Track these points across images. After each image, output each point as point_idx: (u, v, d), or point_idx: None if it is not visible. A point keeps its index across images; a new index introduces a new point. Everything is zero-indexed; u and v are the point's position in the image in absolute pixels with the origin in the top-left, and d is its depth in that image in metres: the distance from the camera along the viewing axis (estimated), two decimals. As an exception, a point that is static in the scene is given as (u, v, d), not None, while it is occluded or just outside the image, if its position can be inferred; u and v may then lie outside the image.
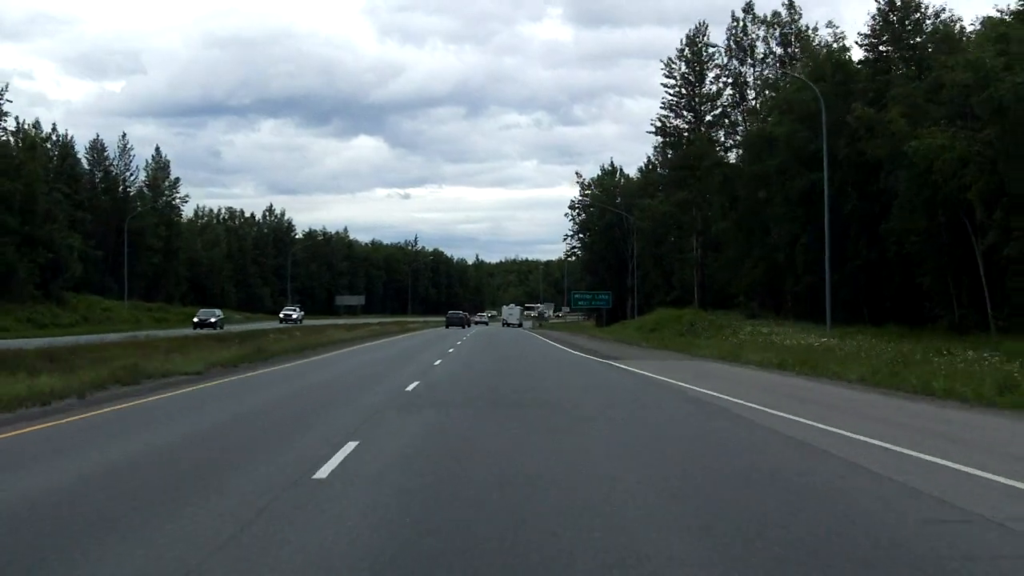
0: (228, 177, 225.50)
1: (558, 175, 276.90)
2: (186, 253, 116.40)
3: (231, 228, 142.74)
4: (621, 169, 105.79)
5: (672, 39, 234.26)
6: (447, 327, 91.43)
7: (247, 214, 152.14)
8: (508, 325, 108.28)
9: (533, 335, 71.50)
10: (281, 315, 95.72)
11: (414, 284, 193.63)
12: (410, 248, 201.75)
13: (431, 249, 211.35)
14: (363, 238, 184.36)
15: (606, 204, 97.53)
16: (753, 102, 59.98)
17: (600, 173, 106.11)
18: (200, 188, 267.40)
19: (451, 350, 41.05)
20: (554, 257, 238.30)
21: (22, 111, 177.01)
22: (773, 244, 52.22)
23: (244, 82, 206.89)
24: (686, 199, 64.77)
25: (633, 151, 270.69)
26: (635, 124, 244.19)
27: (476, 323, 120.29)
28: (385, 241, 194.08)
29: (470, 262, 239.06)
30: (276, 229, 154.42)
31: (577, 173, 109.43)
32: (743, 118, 60.09)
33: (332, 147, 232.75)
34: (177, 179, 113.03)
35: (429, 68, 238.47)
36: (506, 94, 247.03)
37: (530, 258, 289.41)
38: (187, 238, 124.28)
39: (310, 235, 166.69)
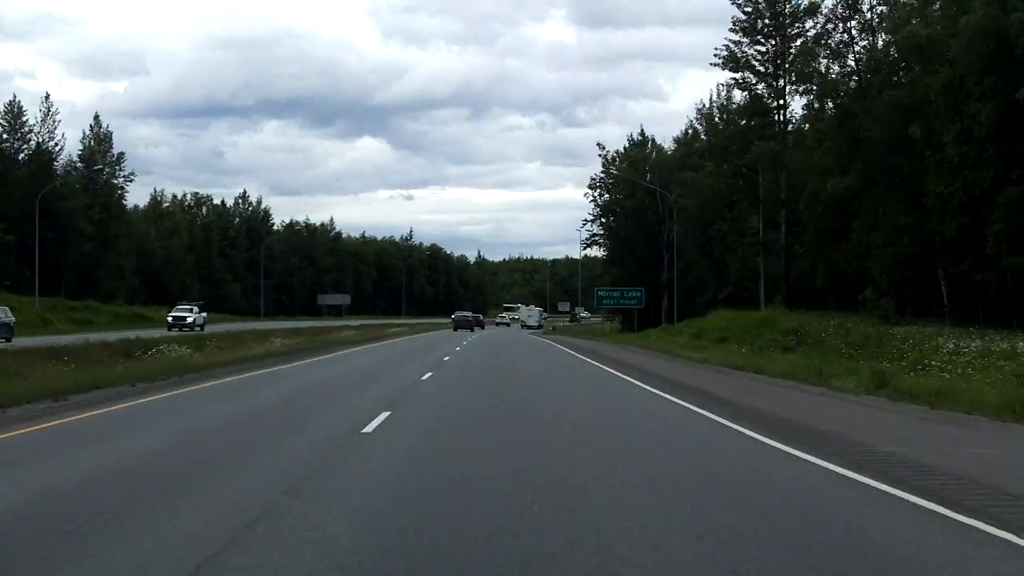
0: (231, 178, 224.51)
1: (561, 177, 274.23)
2: (133, 242, 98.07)
3: (197, 216, 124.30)
4: (653, 140, 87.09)
5: (676, 40, 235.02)
6: (455, 330, 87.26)
7: (216, 201, 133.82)
8: (527, 328, 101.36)
9: (555, 345, 53.96)
10: (170, 317, 64.18)
11: (409, 282, 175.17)
12: (405, 243, 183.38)
13: (428, 245, 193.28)
14: (356, 234, 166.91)
15: (637, 179, 78.98)
16: (875, 7, 40.88)
17: (628, 144, 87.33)
18: (203, 189, 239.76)
19: (425, 376, 23.35)
20: (560, 256, 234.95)
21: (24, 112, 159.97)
22: (928, 208, 33.77)
23: (247, 83, 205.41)
24: (767, 153, 45.93)
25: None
26: (638, 126, 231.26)
27: (498, 323, 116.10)
28: (378, 236, 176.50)
29: (471, 260, 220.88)
30: (251, 219, 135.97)
31: (599, 144, 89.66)
32: (855, 35, 41.23)
33: (335, 148, 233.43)
34: (121, 155, 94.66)
35: (432, 70, 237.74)
36: (509, 96, 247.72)
37: (536, 256, 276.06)
38: (138, 225, 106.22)
39: (290, 227, 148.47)
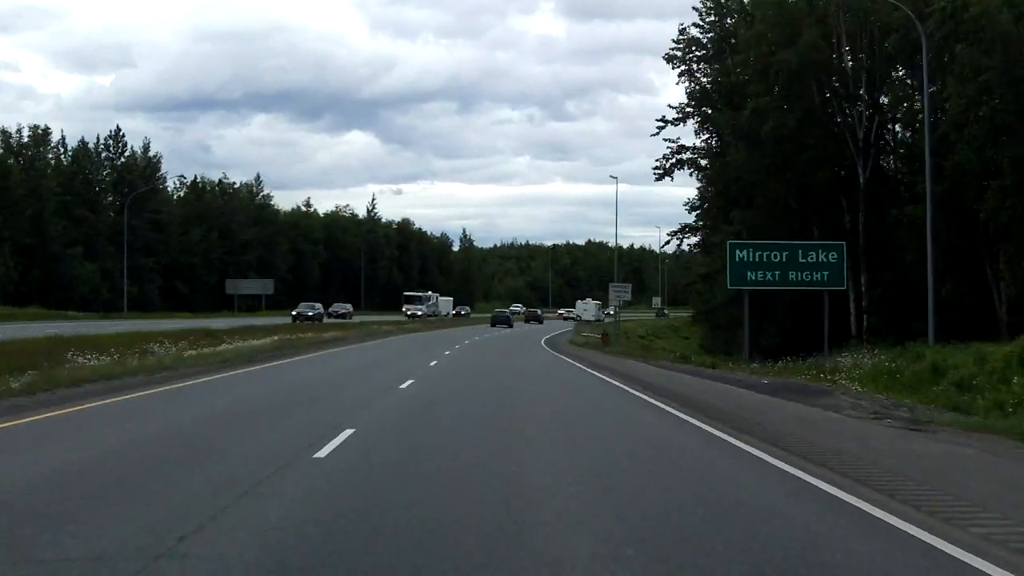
0: (217, 173, 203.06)
1: (550, 172, 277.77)
2: None
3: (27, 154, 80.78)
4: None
5: (667, 33, 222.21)
6: (492, 325, 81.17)
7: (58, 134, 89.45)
8: (578, 320, 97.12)
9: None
10: None
11: (371, 267, 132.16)
12: (367, 218, 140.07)
13: (397, 221, 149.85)
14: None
15: None
16: None
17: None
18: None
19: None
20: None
21: (10, 105, 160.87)
22: None
23: (235, 76, 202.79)
24: None
25: (625, 148, 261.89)
26: (628, 120, 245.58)
27: (566, 317, 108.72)
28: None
29: (455, 242, 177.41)
30: (129, 169, 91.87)
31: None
32: None
33: (324, 142, 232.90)
34: None
35: (421, 63, 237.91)
36: (499, 89, 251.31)
37: (531, 242, 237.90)
38: None
39: (195, 186, 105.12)
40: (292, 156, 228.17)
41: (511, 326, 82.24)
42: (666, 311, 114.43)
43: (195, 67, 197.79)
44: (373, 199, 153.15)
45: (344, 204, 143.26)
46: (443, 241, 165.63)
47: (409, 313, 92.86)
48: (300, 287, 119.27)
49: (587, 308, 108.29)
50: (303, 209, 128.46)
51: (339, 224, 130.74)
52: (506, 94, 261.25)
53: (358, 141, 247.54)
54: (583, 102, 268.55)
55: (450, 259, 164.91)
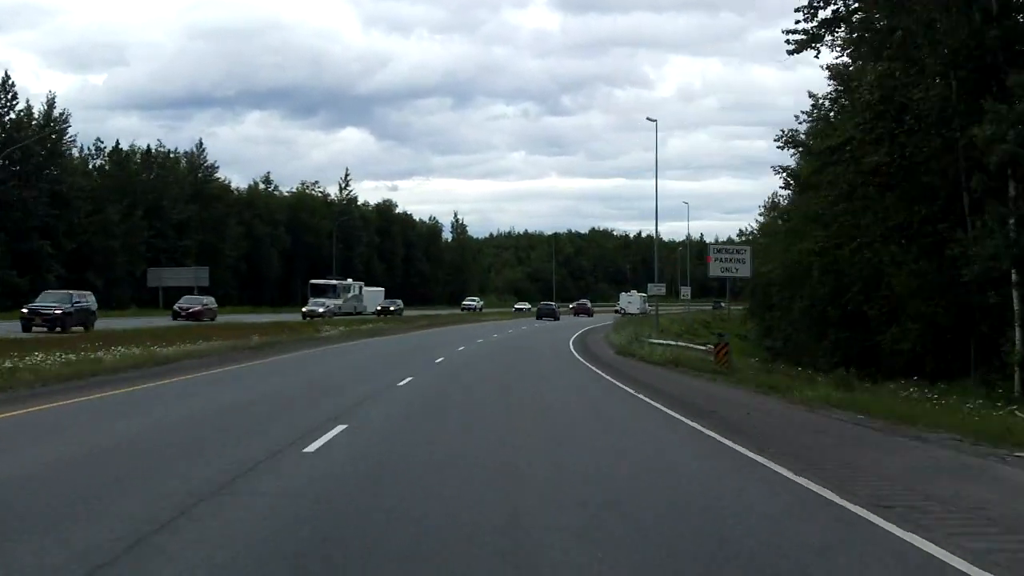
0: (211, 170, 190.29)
1: (546, 167, 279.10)
2: None
3: None
4: None
5: (662, 26, 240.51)
6: (538, 318, 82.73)
7: None
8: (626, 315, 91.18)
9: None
10: None
11: (346, 254, 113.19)
12: (341, 199, 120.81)
13: (374, 204, 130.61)
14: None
15: None
16: None
17: None
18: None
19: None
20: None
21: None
22: None
23: (229, 74, 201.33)
24: None
25: (622, 142, 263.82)
26: (624, 114, 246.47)
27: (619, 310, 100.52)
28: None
29: (447, 229, 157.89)
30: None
31: None
32: None
33: (319, 139, 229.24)
34: None
35: (416, 58, 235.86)
36: (493, 85, 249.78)
37: (531, 231, 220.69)
38: None
39: (113, 154, 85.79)
40: (287, 154, 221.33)
41: (557, 318, 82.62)
42: (723, 303, 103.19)
43: (189, 65, 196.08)
44: (346, 175, 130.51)
45: (313, 181, 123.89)
46: (432, 227, 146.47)
47: (307, 312, 68.57)
48: (256, 278, 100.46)
49: (631, 301, 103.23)
50: (261, 187, 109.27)
51: (305, 205, 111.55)
52: (501, 89, 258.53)
53: (353, 138, 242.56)
54: (578, 96, 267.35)
55: (440, 248, 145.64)
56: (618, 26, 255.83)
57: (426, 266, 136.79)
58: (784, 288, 36.80)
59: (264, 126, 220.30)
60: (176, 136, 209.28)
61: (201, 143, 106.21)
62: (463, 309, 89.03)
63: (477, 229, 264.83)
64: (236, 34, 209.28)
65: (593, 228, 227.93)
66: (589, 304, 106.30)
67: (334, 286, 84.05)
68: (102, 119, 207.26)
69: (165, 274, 76.99)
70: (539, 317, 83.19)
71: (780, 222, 45.71)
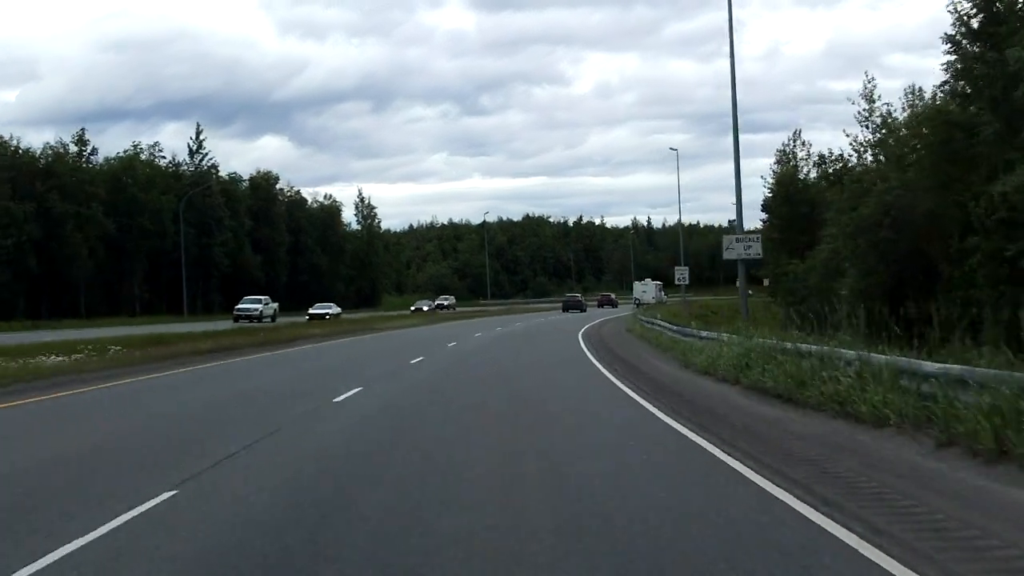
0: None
1: (468, 167, 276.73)
2: None
3: None
4: None
5: (577, 22, 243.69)
6: (564, 311, 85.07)
7: None
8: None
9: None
10: None
11: (201, 241, 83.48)
12: (191, 166, 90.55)
13: (253, 175, 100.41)
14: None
15: None
16: None
17: None
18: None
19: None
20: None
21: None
22: None
23: (143, 85, 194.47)
24: None
25: (542, 140, 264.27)
26: (543, 112, 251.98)
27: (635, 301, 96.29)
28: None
29: (349, 214, 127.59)
30: None
31: None
32: None
33: (237, 148, 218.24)
34: None
35: (333, 63, 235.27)
36: (412, 87, 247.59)
37: (456, 218, 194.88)
38: None
39: None
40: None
41: (584, 310, 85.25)
42: (749, 291, 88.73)
43: (102, 78, 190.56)
44: (199, 131, 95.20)
45: (152, 143, 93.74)
46: (330, 209, 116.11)
47: None
48: (53, 273, 70.48)
49: (646, 289, 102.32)
50: (72, 149, 78.92)
51: (137, 175, 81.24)
52: (420, 91, 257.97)
53: (271, 145, 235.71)
54: (497, 96, 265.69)
55: (340, 236, 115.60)
56: (533, 24, 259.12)
57: (321, 258, 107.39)
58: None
59: (181, 137, 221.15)
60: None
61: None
62: (309, 318, 60.91)
63: (403, 232, 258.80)
64: (147, 44, 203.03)
65: (527, 215, 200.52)
66: (614, 296, 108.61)
67: None
68: (18, 135, 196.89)
69: None
70: (565, 309, 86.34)
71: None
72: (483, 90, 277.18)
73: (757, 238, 31.45)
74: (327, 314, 66.58)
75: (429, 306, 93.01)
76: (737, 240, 30.08)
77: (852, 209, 29.58)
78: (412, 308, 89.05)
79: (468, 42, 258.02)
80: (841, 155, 39.26)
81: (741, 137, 29.79)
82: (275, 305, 66.52)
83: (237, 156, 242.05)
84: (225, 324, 51.12)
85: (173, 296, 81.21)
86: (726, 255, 30.50)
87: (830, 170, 39.85)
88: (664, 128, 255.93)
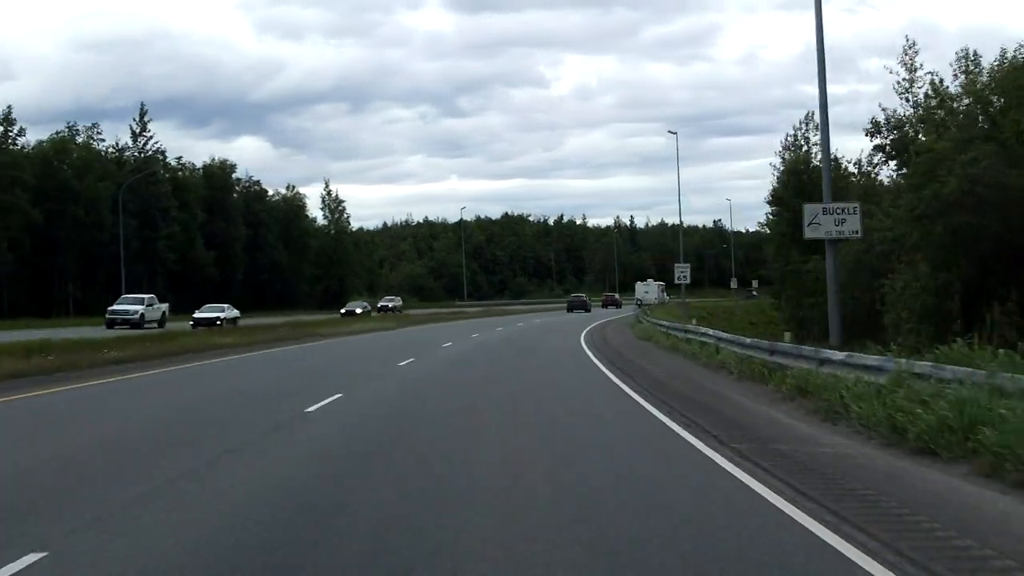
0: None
1: (446, 169, 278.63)
2: None
3: None
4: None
5: (556, 24, 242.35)
6: (569, 311, 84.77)
7: None
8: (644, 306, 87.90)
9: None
10: None
11: (144, 233, 75.17)
12: (133, 151, 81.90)
13: (207, 162, 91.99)
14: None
15: None
16: None
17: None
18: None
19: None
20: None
21: None
22: None
23: (120, 85, 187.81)
24: None
25: (521, 142, 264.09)
26: (522, 113, 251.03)
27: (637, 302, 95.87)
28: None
29: (315, 209, 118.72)
30: None
31: None
32: None
33: (214, 149, 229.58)
34: None
35: (310, 64, 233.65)
36: (390, 88, 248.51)
37: (433, 218, 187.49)
38: None
39: None
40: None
41: (588, 310, 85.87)
42: (755, 292, 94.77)
43: (79, 77, 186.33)
44: (142, 111, 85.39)
45: (91, 125, 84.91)
46: (293, 201, 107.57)
47: None
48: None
49: (648, 290, 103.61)
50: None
51: (72, 159, 72.64)
52: (398, 93, 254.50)
53: (249, 146, 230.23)
54: (476, 97, 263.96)
55: (305, 231, 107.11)
56: (512, 26, 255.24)
57: (283, 255, 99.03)
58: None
59: (158, 137, 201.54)
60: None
61: None
62: (195, 326, 48.05)
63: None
64: (123, 44, 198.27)
65: (506, 213, 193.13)
66: (618, 297, 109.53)
67: None
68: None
69: None
70: (570, 310, 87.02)
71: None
72: (462, 92, 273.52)
73: (856, 209, 22.56)
74: (219, 319, 52.52)
75: (364, 308, 77.35)
76: (825, 212, 21.50)
77: (918, 187, 24.20)
78: (343, 312, 72.64)
79: (447, 44, 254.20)
80: (900, 122, 31.20)
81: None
82: (163, 306, 54.05)
83: (216, 157, 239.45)
84: (98, 330, 41.17)
85: (113, 295, 72.66)
86: (808, 233, 22.41)
87: (887, 139, 31.73)
88: (643, 131, 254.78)
